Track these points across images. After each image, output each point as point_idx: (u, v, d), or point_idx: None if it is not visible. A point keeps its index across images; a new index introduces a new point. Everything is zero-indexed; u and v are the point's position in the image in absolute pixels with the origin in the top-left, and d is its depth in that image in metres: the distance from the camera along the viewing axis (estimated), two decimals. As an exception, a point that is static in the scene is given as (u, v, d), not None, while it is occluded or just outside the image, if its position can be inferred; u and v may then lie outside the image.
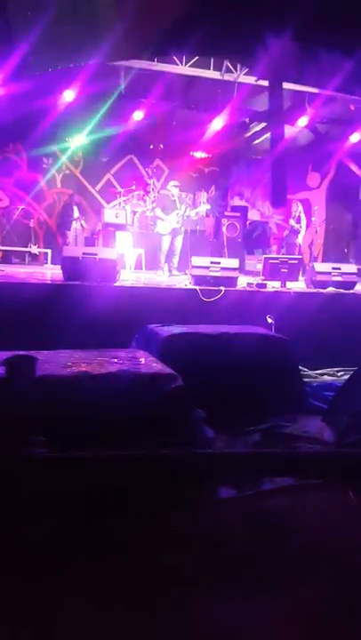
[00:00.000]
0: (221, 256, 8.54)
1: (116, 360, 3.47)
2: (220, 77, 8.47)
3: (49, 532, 2.29)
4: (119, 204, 10.14)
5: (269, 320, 5.34)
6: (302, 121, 9.34)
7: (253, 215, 11.43)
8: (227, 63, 8.38)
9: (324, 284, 6.53)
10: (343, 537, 2.51)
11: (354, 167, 11.00)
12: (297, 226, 9.85)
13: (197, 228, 9.74)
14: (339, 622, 1.90)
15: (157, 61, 8.07)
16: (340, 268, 6.70)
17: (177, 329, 4.43)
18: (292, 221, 9.94)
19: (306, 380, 4.86)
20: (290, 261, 6.78)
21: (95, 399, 2.98)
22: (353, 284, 6.65)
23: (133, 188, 9.89)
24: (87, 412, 2.91)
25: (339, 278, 6.58)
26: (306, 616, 1.92)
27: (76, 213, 9.64)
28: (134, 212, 9.49)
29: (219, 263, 6.29)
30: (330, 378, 5.22)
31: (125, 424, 2.91)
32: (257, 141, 10.41)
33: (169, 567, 2.15)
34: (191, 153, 10.68)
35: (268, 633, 1.83)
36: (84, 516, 2.40)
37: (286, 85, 7.59)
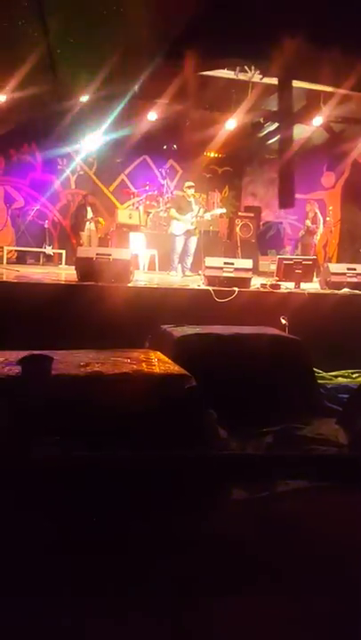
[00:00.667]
0: (235, 257, 8.51)
1: (129, 360, 3.48)
2: (234, 77, 8.45)
3: (61, 531, 2.30)
4: (133, 204, 10.17)
5: (283, 321, 5.30)
6: (317, 120, 9.27)
7: (267, 216, 11.37)
8: (241, 63, 8.36)
9: (339, 285, 6.47)
10: (357, 539, 2.48)
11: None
12: (312, 226, 9.77)
13: (211, 228, 9.71)
14: (351, 623, 1.89)
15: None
16: (355, 269, 6.62)
17: (190, 329, 4.43)
18: (308, 222, 9.86)
19: (320, 381, 4.82)
20: (304, 262, 6.71)
21: (108, 399, 2.99)
22: (368, 285, 6.57)
23: (147, 188, 9.89)
24: (100, 412, 2.91)
25: (354, 279, 6.51)
26: (318, 618, 1.90)
27: (89, 214, 9.69)
28: (148, 213, 9.50)
29: (232, 264, 6.27)
30: (345, 380, 5.18)
31: (139, 424, 2.91)
32: (271, 141, 10.33)
33: (180, 568, 2.15)
34: (205, 153, 10.66)
35: (281, 634, 1.82)
36: (95, 516, 2.41)
37: (301, 84, 7.55)
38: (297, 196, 10.58)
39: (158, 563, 2.18)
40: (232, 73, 8.40)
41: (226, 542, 2.36)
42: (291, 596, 2.01)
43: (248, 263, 6.43)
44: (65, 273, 7.44)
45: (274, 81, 8.32)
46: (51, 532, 2.27)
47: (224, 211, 9.41)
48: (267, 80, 8.35)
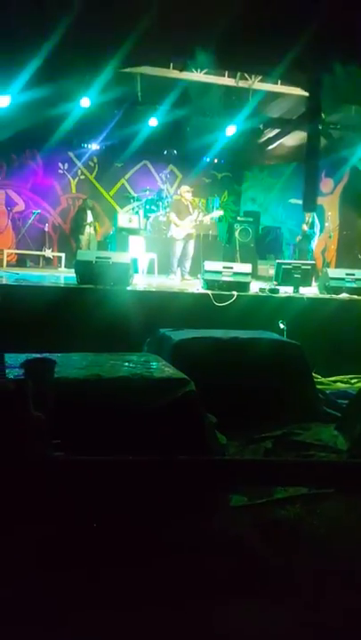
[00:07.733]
0: (234, 261, 8.52)
1: (128, 364, 3.47)
2: (234, 84, 8.49)
3: (62, 532, 2.29)
4: (132, 208, 10.19)
5: (282, 325, 5.31)
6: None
7: (266, 220, 11.39)
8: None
9: (338, 290, 6.48)
10: (356, 545, 2.48)
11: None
12: (310, 232, 9.78)
13: (210, 232, 9.71)
14: (349, 628, 1.88)
15: (173, 68, 8.10)
16: (353, 274, 6.64)
17: (189, 333, 4.43)
18: (303, 226, 9.88)
19: (319, 387, 4.82)
20: (303, 267, 6.73)
21: (107, 403, 2.98)
22: (367, 291, 6.57)
23: (147, 193, 9.92)
24: (99, 415, 2.91)
25: (353, 284, 6.52)
26: (317, 623, 1.90)
27: (89, 218, 9.70)
28: (147, 217, 9.52)
29: (231, 268, 6.28)
30: (343, 385, 5.18)
31: (137, 428, 2.91)
32: (270, 147, 10.39)
33: (177, 573, 2.14)
34: (205, 159, 10.70)
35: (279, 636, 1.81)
36: (95, 519, 2.40)
37: (301, 91, 7.60)
38: (296, 201, 10.64)
39: (157, 565, 2.17)
40: (233, 80, 8.45)
41: (223, 548, 2.35)
42: (288, 602, 2.00)
43: (247, 267, 6.44)
44: (64, 276, 7.44)
45: (273, 88, 8.37)
46: (51, 534, 2.27)
47: (222, 213, 9.43)
48: (267, 87, 8.40)
